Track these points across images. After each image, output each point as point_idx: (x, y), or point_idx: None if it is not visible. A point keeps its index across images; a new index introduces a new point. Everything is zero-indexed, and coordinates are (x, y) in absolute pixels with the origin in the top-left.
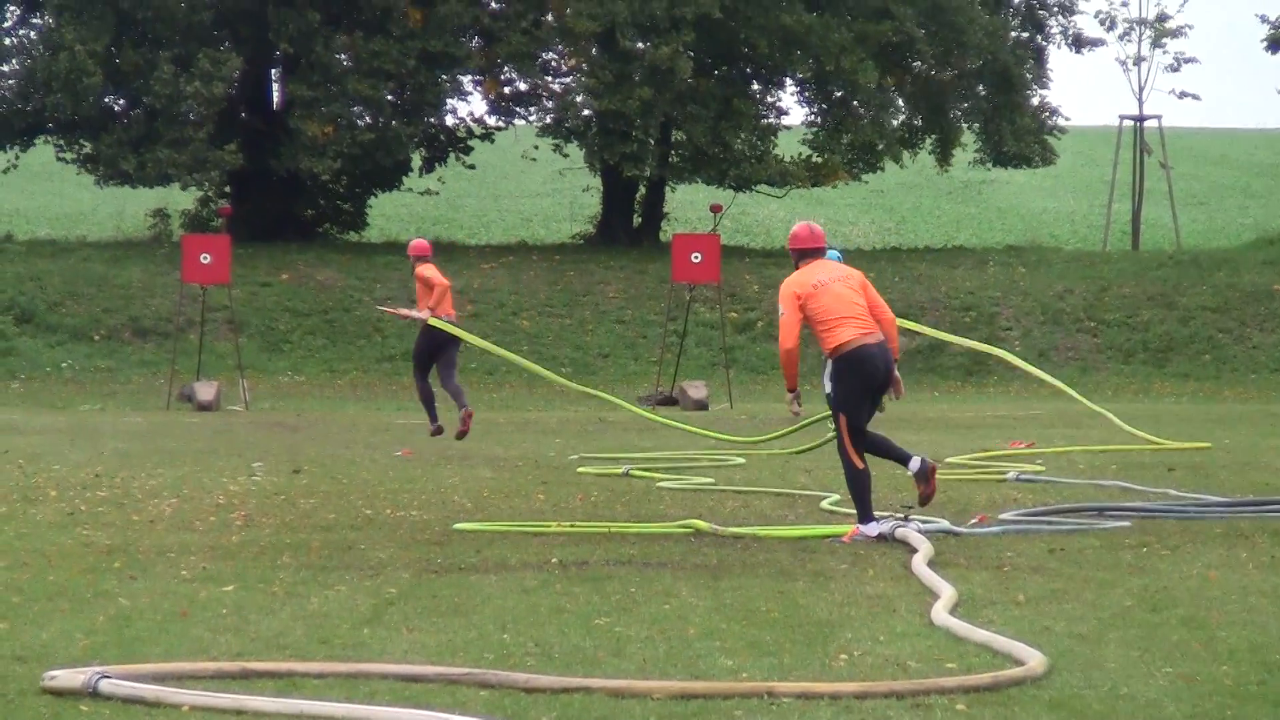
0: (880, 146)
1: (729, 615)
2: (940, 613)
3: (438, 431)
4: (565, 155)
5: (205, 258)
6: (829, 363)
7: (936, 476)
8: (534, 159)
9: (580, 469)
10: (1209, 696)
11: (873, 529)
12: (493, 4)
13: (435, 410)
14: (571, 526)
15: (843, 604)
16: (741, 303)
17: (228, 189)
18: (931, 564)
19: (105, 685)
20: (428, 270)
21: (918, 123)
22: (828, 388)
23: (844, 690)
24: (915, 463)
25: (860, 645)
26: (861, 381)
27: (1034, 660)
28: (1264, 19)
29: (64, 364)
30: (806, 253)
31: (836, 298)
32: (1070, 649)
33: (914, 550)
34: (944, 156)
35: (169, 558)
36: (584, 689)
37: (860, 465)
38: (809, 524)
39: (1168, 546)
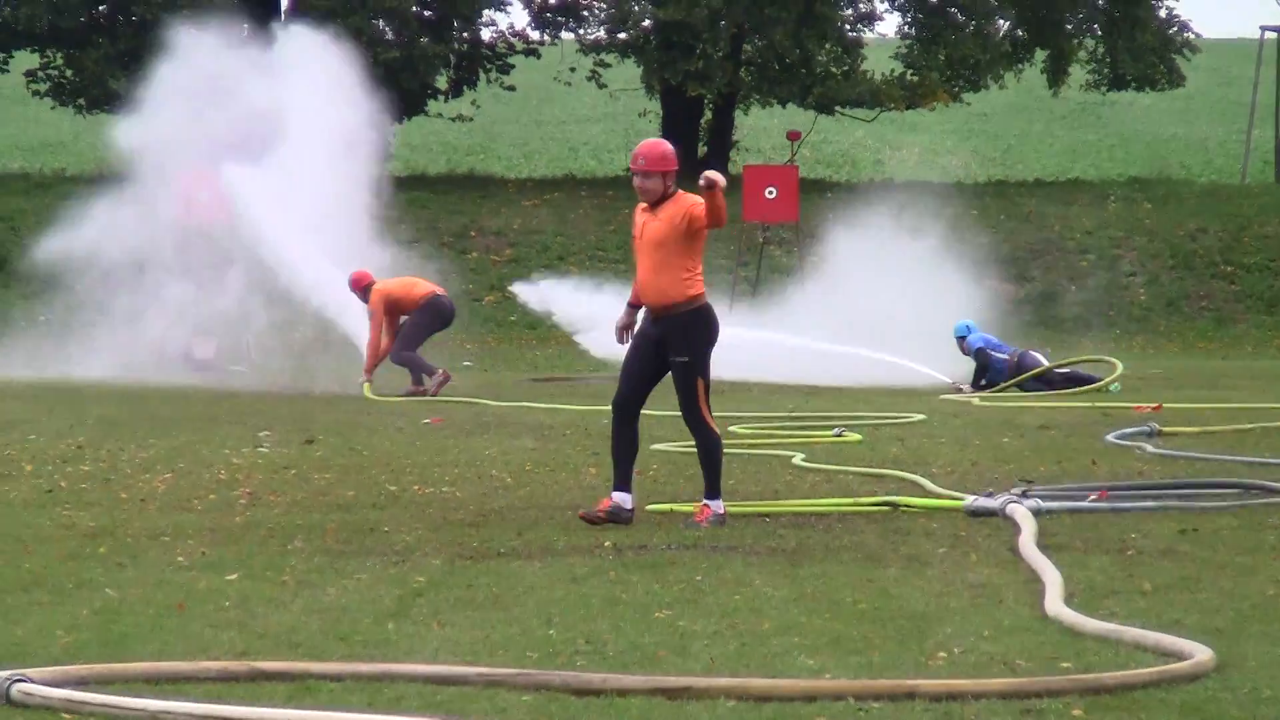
0: (983, 61)
1: (809, 607)
2: (1055, 603)
3: (445, 378)
4: (603, 85)
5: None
6: (689, 314)
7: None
8: (588, 77)
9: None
10: None
11: (721, 505)
12: None
13: (428, 364)
14: (795, 507)
15: (941, 594)
16: (823, 245)
17: None
18: (1044, 547)
19: (18, 692)
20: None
21: (1021, 33)
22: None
23: (990, 688)
24: (627, 499)
25: (962, 641)
26: (712, 340)
27: (1201, 654)
28: None
29: (40, 317)
30: (674, 174)
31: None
32: (1204, 645)
33: (1020, 530)
34: (1056, 76)
35: (163, 542)
36: (663, 691)
37: (718, 433)
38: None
39: None
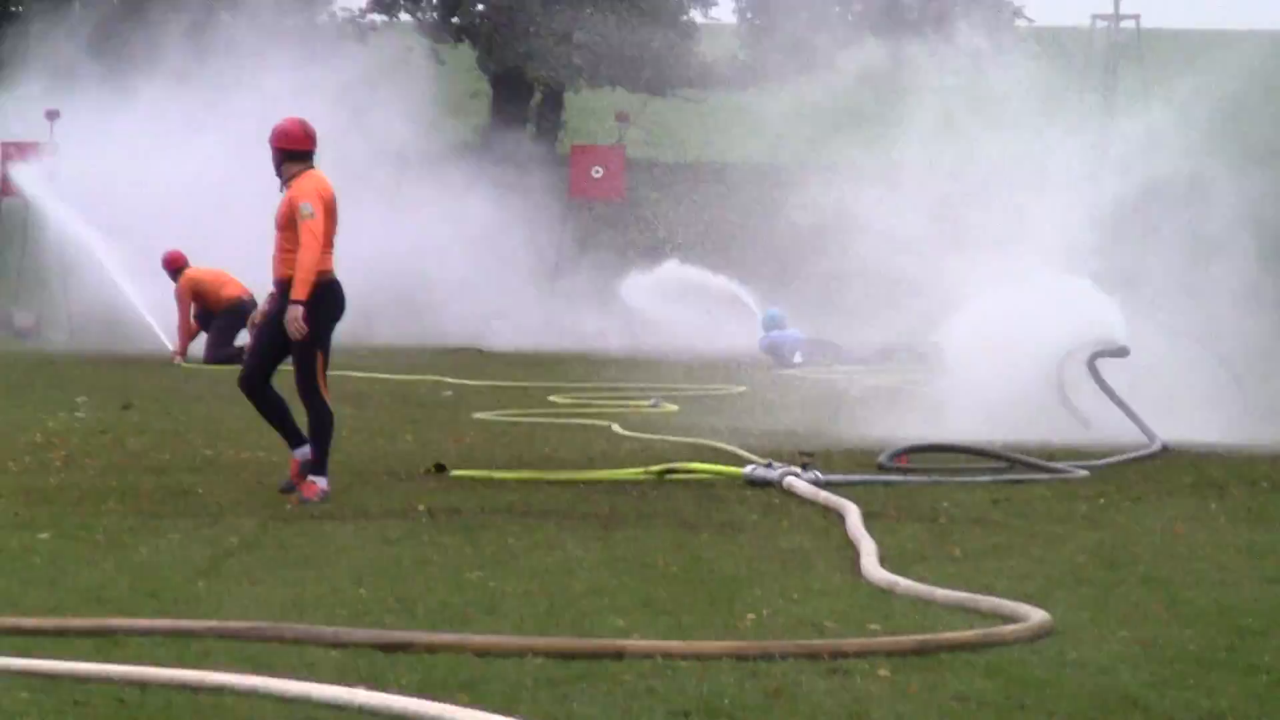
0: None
1: (620, 570)
2: (874, 567)
3: None
4: (443, 62)
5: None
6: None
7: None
8: (428, 56)
9: None
10: (1170, 663)
11: (325, 482)
12: None
13: (239, 351)
14: (605, 474)
15: (753, 559)
16: (648, 227)
17: None
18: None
19: None
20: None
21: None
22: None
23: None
24: (307, 451)
25: (770, 604)
26: (335, 315)
27: (1036, 617)
28: None
29: None
30: (299, 155)
31: (335, 219)
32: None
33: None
34: None
35: None
36: (459, 646)
37: (331, 409)
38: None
39: (1129, 497)
